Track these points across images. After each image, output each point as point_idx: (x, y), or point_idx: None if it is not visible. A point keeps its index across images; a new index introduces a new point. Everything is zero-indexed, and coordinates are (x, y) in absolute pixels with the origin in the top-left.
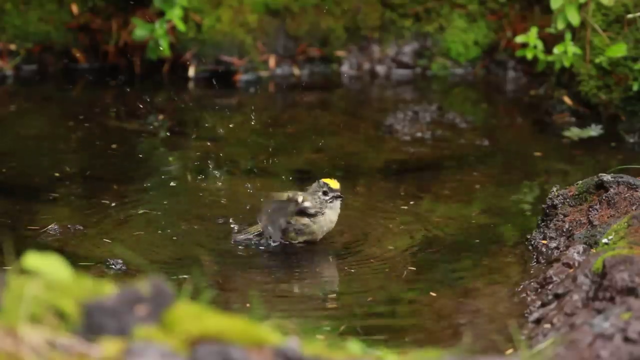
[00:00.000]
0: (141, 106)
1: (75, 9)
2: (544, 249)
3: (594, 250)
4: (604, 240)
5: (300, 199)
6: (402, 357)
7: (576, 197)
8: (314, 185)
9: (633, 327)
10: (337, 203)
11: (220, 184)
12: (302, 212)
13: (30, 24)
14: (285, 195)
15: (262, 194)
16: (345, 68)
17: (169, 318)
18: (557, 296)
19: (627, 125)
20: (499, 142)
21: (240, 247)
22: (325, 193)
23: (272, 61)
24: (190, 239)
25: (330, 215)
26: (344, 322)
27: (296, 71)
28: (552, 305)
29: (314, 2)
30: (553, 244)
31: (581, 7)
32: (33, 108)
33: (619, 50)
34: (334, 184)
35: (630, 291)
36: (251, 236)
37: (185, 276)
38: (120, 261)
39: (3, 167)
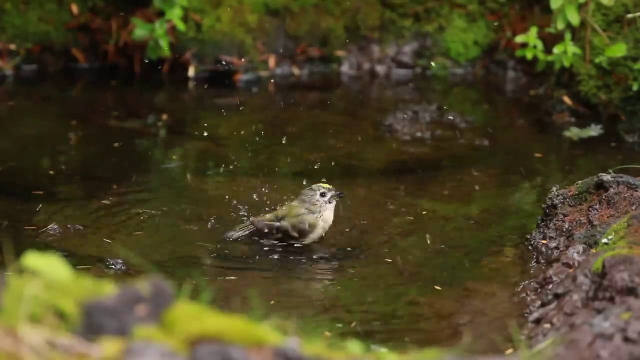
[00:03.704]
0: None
1: (75, 9)
2: (544, 249)
3: (594, 251)
4: (604, 241)
5: (288, 226)
6: (402, 357)
7: (576, 197)
8: (307, 193)
9: (633, 327)
10: (334, 203)
11: (220, 184)
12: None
13: (30, 24)
14: (271, 217)
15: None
16: (345, 68)
17: (169, 318)
18: (557, 296)
19: (627, 125)
20: (499, 142)
21: (240, 247)
22: (323, 195)
23: (272, 61)
24: (190, 239)
25: (327, 216)
26: (344, 322)
27: (296, 71)
28: (552, 305)
29: (314, 2)
30: (553, 244)
31: (581, 7)
32: (33, 108)
33: (619, 50)
34: (328, 186)
35: (630, 291)
36: (245, 233)
37: (185, 276)
38: (120, 261)
39: (3, 167)
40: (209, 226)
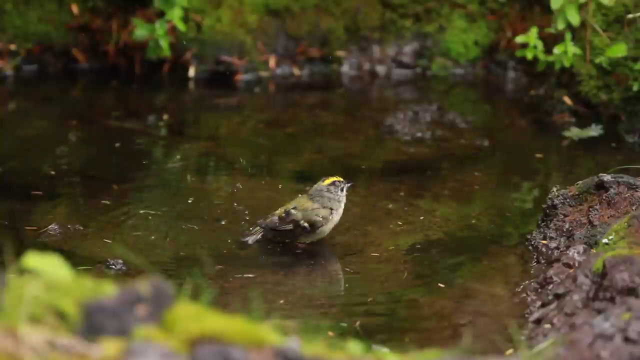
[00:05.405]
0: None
1: (75, 9)
2: (544, 249)
3: (594, 251)
4: (604, 241)
5: (299, 217)
6: (402, 357)
7: (576, 197)
8: (321, 187)
9: (633, 327)
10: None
11: (220, 184)
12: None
13: (30, 24)
14: (279, 211)
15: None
16: (345, 68)
17: (169, 318)
18: (557, 296)
19: (627, 125)
20: (499, 142)
21: (240, 247)
22: (342, 189)
23: (272, 61)
24: (190, 239)
25: (339, 211)
26: (344, 322)
27: (296, 71)
28: (552, 305)
29: (314, 2)
30: (553, 244)
31: (581, 7)
32: (33, 108)
33: (619, 50)
34: (340, 179)
35: (630, 291)
36: (259, 237)
37: (185, 276)
38: (120, 261)
39: (3, 167)
40: (211, 226)
